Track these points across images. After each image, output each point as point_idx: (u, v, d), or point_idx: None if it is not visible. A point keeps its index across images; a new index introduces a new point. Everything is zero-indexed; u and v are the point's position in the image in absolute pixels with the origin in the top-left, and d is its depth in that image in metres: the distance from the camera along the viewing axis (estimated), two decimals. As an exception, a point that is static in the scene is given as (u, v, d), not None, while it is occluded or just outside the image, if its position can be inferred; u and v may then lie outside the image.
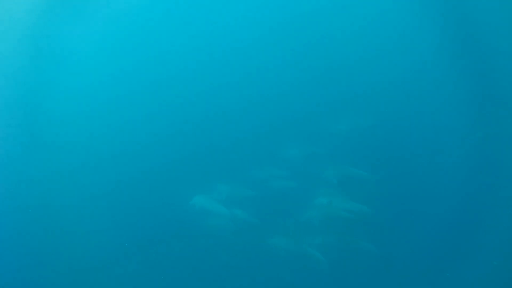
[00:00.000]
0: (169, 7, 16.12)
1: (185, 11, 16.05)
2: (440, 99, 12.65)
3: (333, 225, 10.95)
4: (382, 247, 10.30)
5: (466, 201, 10.73)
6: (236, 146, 12.78)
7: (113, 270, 10.45)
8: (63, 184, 12.04)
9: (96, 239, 10.94)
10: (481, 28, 12.76)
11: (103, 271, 10.35)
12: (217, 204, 11.51)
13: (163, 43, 15.49)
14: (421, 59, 13.41)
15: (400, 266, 9.94)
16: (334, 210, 11.03)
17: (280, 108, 13.33)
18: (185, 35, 15.42)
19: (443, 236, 10.22)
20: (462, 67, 12.49)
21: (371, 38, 14.46)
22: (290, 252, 10.58)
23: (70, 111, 13.73)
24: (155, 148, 12.98)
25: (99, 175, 12.47)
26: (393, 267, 9.96)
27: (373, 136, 12.65)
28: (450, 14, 13.07)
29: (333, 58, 14.16)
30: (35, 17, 13.62)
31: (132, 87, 14.53)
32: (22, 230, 11.04)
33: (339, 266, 10.10)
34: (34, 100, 13.50)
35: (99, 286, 10.12)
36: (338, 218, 10.99)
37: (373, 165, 11.81)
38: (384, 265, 10.04)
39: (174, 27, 15.76)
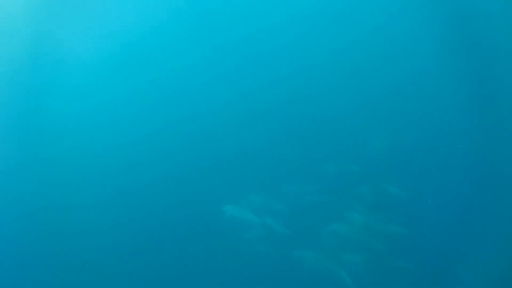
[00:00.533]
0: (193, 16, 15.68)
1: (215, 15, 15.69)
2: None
3: (363, 243, 10.64)
4: (415, 267, 9.93)
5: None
6: (270, 159, 12.88)
7: (139, 273, 10.71)
8: (90, 193, 12.32)
9: (123, 244, 11.27)
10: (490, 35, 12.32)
11: (129, 275, 10.63)
12: (248, 212, 11.63)
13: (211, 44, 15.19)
14: (453, 79, 12.97)
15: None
16: (365, 228, 10.76)
17: (315, 124, 13.40)
18: (221, 38, 15.13)
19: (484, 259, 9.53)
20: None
21: (407, 60, 14.36)
22: (315, 267, 10.38)
23: (96, 115, 13.91)
24: (189, 157, 13.12)
25: (131, 181, 12.67)
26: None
27: (408, 153, 12.33)
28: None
29: (370, 76, 14.19)
30: (35, 17, 13.57)
31: (167, 94, 14.48)
32: (45, 233, 11.34)
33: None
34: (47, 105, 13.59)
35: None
36: (370, 237, 10.69)
37: (407, 183, 11.44)
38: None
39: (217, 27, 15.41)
